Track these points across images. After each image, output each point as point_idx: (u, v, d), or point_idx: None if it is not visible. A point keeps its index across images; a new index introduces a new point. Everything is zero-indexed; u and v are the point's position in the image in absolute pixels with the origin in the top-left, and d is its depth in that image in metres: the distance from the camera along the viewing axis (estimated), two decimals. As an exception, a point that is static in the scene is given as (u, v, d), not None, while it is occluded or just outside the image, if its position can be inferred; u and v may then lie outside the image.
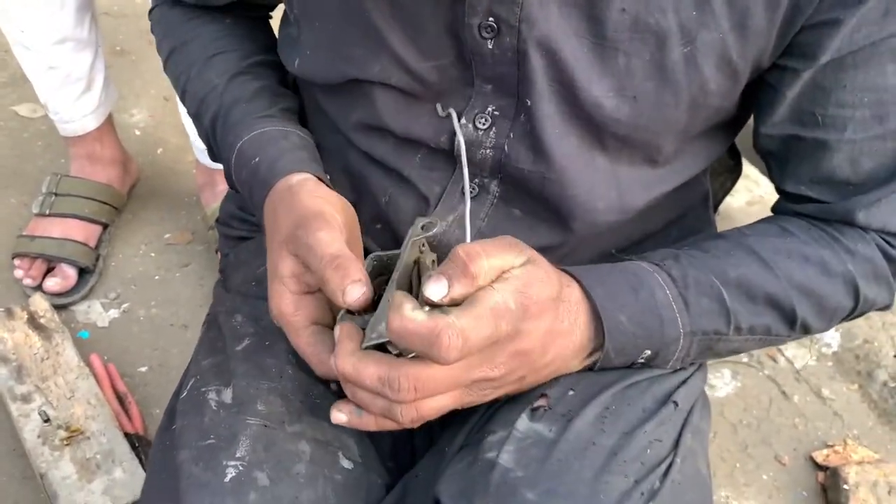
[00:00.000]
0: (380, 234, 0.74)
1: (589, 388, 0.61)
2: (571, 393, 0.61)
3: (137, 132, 1.73)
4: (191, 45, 0.81)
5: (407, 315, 0.49)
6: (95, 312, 1.37)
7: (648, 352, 0.61)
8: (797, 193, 0.65)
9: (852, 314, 0.65)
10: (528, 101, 0.61)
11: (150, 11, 0.86)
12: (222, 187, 1.45)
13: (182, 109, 1.40)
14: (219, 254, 1.43)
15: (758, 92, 0.64)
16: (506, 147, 0.64)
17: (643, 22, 0.57)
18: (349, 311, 0.55)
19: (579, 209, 0.66)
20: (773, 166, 0.67)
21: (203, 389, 0.64)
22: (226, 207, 0.94)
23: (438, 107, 0.64)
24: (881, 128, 0.59)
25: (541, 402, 0.59)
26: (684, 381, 0.64)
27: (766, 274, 0.61)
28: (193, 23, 0.82)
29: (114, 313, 1.37)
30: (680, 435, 0.59)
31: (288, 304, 0.60)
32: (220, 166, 1.41)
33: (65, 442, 1.08)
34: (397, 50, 0.62)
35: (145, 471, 1.07)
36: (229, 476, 0.56)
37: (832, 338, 1.44)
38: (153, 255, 1.48)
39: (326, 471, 0.59)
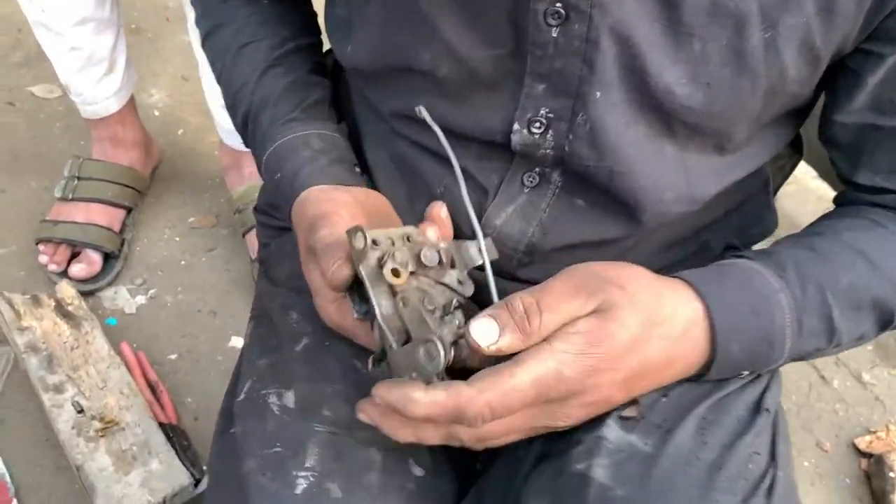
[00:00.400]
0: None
1: (684, 397, 0.58)
2: (665, 400, 0.58)
3: (157, 112, 1.69)
4: (225, 29, 0.78)
5: (423, 402, 0.47)
6: (122, 299, 1.35)
7: (745, 373, 0.59)
8: (872, 185, 0.62)
9: None
10: (592, 96, 0.58)
11: None
12: (249, 170, 1.43)
13: (206, 87, 1.37)
14: (246, 238, 1.41)
15: (836, 78, 0.60)
16: (566, 147, 0.61)
17: (722, 5, 0.53)
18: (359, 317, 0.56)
19: (648, 200, 0.63)
20: (844, 158, 0.64)
21: (263, 392, 0.62)
22: (264, 196, 0.91)
23: (418, 109, 0.61)
24: None
25: (631, 412, 0.56)
26: (768, 385, 0.61)
27: (873, 276, 0.59)
28: (229, 3, 0.79)
29: (141, 299, 1.35)
30: (774, 444, 0.57)
31: (334, 314, 0.60)
32: (246, 148, 1.39)
33: (100, 433, 1.07)
34: (450, 36, 0.59)
35: (182, 462, 1.06)
36: (300, 487, 0.54)
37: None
38: (178, 239, 1.46)
39: (398, 480, 0.57)
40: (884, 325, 0.60)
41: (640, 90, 0.57)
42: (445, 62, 0.61)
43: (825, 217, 0.65)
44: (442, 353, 0.47)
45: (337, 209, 0.60)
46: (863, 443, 1.22)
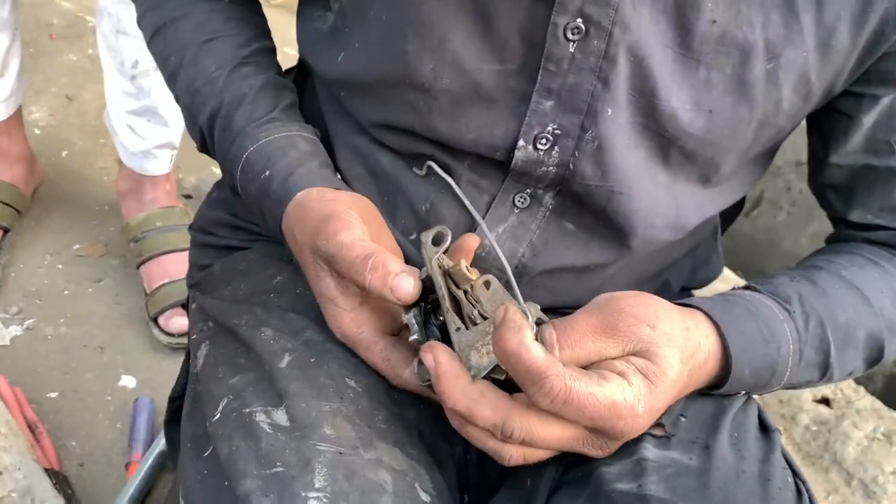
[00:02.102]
0: (414, 245, 0.69)
1: (700, 414, 0.58)
2: (684, 419, 0.57)
3: (37, 131, 1.55)
4: (182, 23, 0.73)
5: (526, 343, 0.47)
6: (-7, 328, 1.19)
7: (743, 393, 0.60)
8: (864, 223, 0.66)
9: None
10: (604, 113, 0.58)
11: None
12: (151, 196, 1.33)
13: (112, 104, 1.27)
14: (141, 269, 1.29)
15: (830, 123, 0.64)
16: (571, 165, 0.60)
17: (730, 35, 0.56)
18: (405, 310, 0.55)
19: (641, 225, 0.64)
20: (838, 198, 0.67)
21: (246, 411, 0.55)
22: (209, 214, 0.84)
23: (428, 164, 0.62)
24: None
25: (658, 431, 0.55)
26: (759, 406, 0.63)
27: (867, 315, 0.61)
28: None
29: (15, 330, 1.20)
30: (787, 458, 0.58)
31: (349, 325, 0.57)
32: (151, 172, 1.30)
33: (-29, 477, 0.92)
34: (458, 47, 0.58)
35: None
36: (312, 510, 0.47)
37: (757, 382, 1.50)
38: (60, 266, 1.32)
39: (409, 503, 0.52)
40: (872, 361, 0.63)
41: (647, 113, 0.58)
42: (448, 74, 0.59)
43: (821, 252, 0.68)
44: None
45: (345, 209, 0.57)
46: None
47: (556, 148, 0.59)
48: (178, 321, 1.24)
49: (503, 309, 0.48)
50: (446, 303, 0.52)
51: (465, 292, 0.54)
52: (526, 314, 0.47)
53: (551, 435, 0.49)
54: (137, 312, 1.29)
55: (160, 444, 1.07)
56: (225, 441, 0.54)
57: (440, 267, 0.54)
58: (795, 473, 0.57)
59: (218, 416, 0.57)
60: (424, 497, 0.54)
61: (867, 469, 1.35)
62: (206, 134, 0.71)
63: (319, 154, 0.67)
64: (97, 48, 1.26)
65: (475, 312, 0.52)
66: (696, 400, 0.59)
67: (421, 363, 0.52)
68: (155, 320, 1.26)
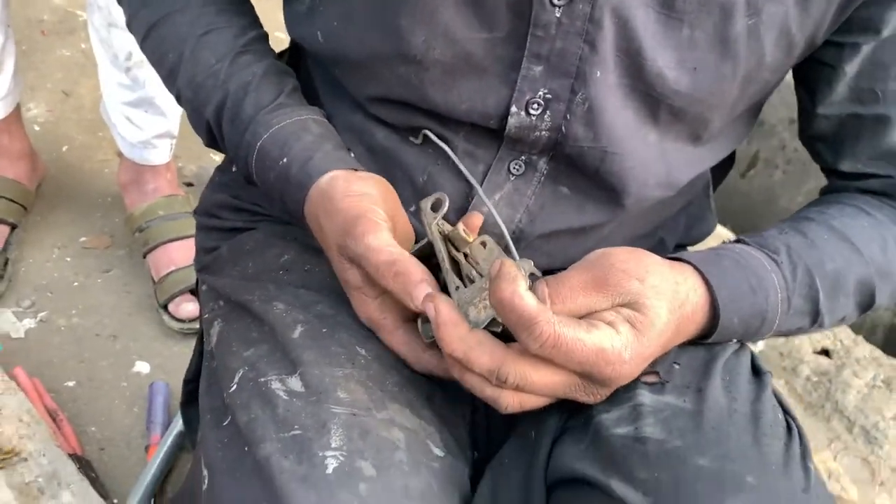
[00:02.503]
0: (413, 215, 0.71)
1: (692, 361, 0.60)
2: (677, 366, 0.60)
3: (37, 128, 1.57)
4: (177, 18, 0.73)
5: (519, 291, 0.49)
6: (7, 322, 1.22)
7: (736, 341, 0.62)
8: (855, 172, 0.67)
9: None
10: (593, 75, 0.60)
11: None
12: (153, 185, 1.34)
13: (107, 97, 1.28)
14: (148, 258, 1.32)
15: (815, 74, 0.66)
16: (563, 128, 0.62)
17: None
18: None
19: (634, 183, 0.66)
20: (827, 149, 0.69)
21: (262, 380, 0.58)
22: (213, 198, 0.86)
23: (424, 132, 0.64)
24: None
25: (652, 378, 0.58)
26: (753, 352, 0.65)
27: (857, 263, 0.63)
28: None
29: (29, 323, 1.23)
30: (778, 399, 0.61)
31: (374, 311, 0.60)
32: (151, 162, 1.31)
33: (-2, 465, 0.95)
34: (447, 17, 0.60)
35: (97, 490, 0.96)
36: (331, 467, 0.50)
37: (757, 337, 1.52)
38: (68, 259, 1.34)
39: (424, 458, 0.54)
40: (865, 307, 0.65)
41: (634, 73, 0.60)
42: (439, 44, 0.61)
43: (814, 204, 0.70)
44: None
45: (372, 208, 0.59)
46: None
47: (547, 112, 0.61)
48: (188, 307, 1.27)
49: (498, 263, 0.50)
50: (446, 264, 0.55)
51: (465, 255, 0.56)
52: (520, 269, 0.50)
53: (544, 380, 0.51)
54: (147, 300, 1.31)
55: (178, 425, 1.10)
56: (243, 409, 0.56)
57: (440, 232, 0.56)
58: (786, 411, 0.60)
59: (234, 387, 0.59)
60: (438, 452, 0.57)
61: (868, 416, 1.38)
62: (213, 126, 0.71)
63: (332, 136, 0.68)
64: (90, 42, 1.28)
65: (473, 272, 0.54)
66: (688, 348, 0.61)
67: (426, 321, 0.55)
68: (165, 307, 1.28)
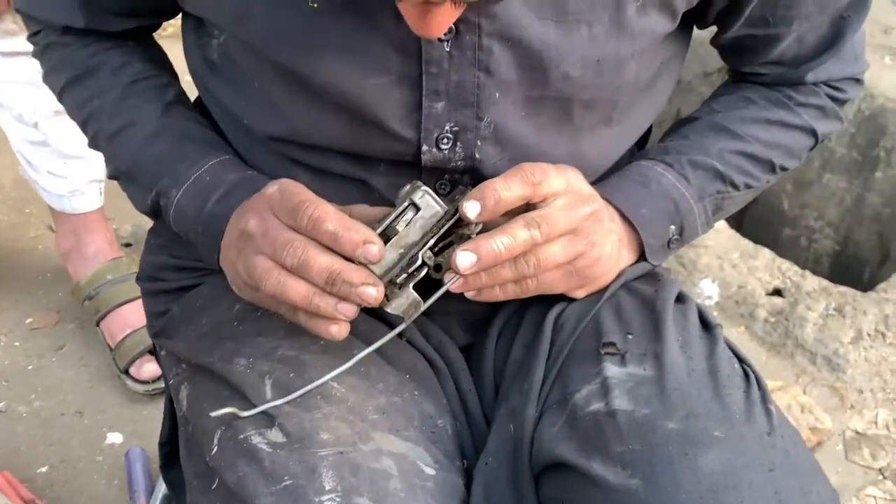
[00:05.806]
0: None
1: (643, 327, 0.64)
2: (630, 336, 0.63)
3: (-43, 215, 1.53)
4: (99, 71, 0.74)
5: (494, 188, 0.58)
6: (-34, 419, 1.18)
7: (673, 227, 0.69)
8: (752, 72, 0.75)
9: (816, 146, 0.78)
10: (493, 98, 0.62)
11: (34, 35, 0.77)
12: (93, 248, 1.32)
13: (25, 163, 1.26)
14: (101, 325, 1.29)
15: (721, 17, 0.69)
16: (476, 154, 0.64)
17: None
18: None
19: None
20: (728, 56, 0.76)
21: (241, 437, 0.58)
22: (153, 261, 0.84)
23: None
24: (822, 14, 0.68)
25: (610, 349, 0.62)
26: (700, 307, 0.70)
27: (739, 143, 0.72)
28: (92, 48, 0.75)
29: (-11, 416, 1.20)
30: (732, 348, 0.65)
31: (306, 191, 0.59)
32: (82, 210, 1.29)
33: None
34: (336, 69, 0.61)
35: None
36: (329, 511, 0.51)
37: (711, 290, 1.56)
38: (17, 344, 1.31)
39: (417, 481, 0.55)
40: (772, 170, 0.74)
41: (541, 83, 0.62)
42: (334, 96, 0.62)
43: (711, 96, 0.79)
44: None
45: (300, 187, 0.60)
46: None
47: (458, 144, 0.63)
48: (150, 367, 1.25)
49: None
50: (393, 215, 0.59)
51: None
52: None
53: (554, 211, 0.60)
54: (107, 369, 1.29)
55: (162, 488, 1.09)
56: (229, 470, 0.56)
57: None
58: (741, 360, 0.64)
59: (216, 448, 0.59)
60: (429, 471, 0.58)
61: (827, 345, 1.44)
62: (143, 171, 0.72)
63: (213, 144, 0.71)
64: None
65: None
66: (633, 316, 0.65)
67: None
68: (126, 372, 1.26)
